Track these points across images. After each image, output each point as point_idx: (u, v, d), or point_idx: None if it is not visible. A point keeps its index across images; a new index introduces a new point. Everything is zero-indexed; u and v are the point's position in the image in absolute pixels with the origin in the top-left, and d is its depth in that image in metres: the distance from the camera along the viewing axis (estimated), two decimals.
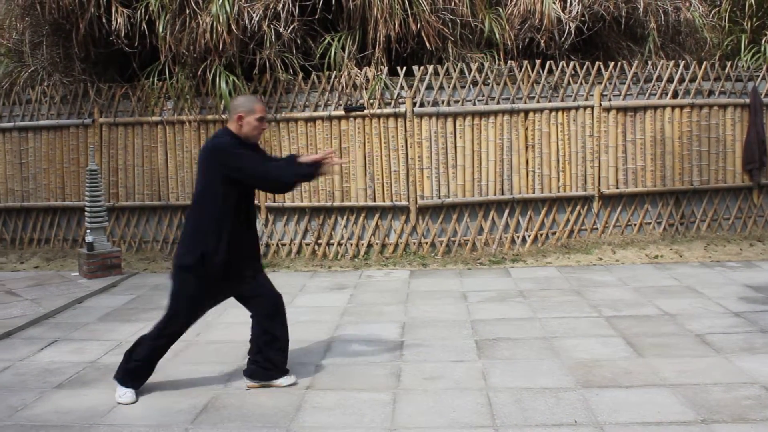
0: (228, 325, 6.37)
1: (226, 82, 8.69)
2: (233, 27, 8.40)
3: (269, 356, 4.85)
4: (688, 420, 4.14)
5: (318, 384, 4.88)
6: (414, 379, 4.91)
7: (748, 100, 9.43)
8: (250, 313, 5.00)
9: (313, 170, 4.59)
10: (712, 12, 10.86)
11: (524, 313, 6.43)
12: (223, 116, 9.00)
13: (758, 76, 9.58)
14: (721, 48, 10.59)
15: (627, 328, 5.87)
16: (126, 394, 4.67)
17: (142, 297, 7.45)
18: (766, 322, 5.93)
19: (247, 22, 8.50)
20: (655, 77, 9.24)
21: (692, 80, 9.35)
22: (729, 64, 9.58)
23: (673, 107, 9.24)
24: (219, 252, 4.55)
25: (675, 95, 9.29)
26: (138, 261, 9.11)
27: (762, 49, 9.88)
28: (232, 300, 7.06)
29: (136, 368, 4.72)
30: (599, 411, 4.30)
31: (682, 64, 9.37)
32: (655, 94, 9.25)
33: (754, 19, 10.41)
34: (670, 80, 9.28)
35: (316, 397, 4.66)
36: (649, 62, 9.42)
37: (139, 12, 8.72)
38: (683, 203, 9.38)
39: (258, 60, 8.72)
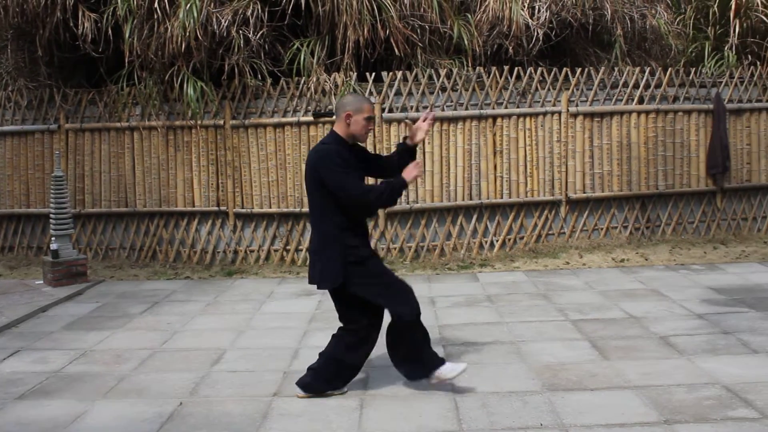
0: (195, 332, 6.33)
1: (194, 88, 8.65)
2: (200, 33, 8.35)
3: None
4: (651, 421, 4.19)
5: (285, 391, 4.87)
6: (381, 384, 4.91)
7: (711, 106, 9.57)
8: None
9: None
10: (677, 19, 11.03)
11: (492, 317, 6.46)
12: (190, 122, 8.95)
13: (721, 82, 9.74)
14: (685, 55, 10.75)
15: (593, 332, 5.93)
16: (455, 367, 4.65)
17: (108, 305, 7.37)
18: (729, 323, 6.03)
19: (215, 27, 8.46)
20: (621, 83, 9.36)
21: (657, 86, 9.48)
22: (693, 70, 9.72)
23: (638, 113, 9.36)
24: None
25: (641, 101, 9.41)
26: (104, 269, 9.01)
27: (725, 56, 10.06)
28: (198, 308, 7.08)
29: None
30: (565, 414, 4.33)
31: (647, 70, 9.49)
32: (621, 100, 9.36)
33: (717, 27, 10.59)
34: (636, 86, 9.40)
35: (283, 404, 4.64)
36: (616, 68, 9.53)
37: (105, 16, 8.65)
38: (649, 207, 9.50)
39: (226, 65, 8.68)
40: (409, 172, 4.61)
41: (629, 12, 9.98)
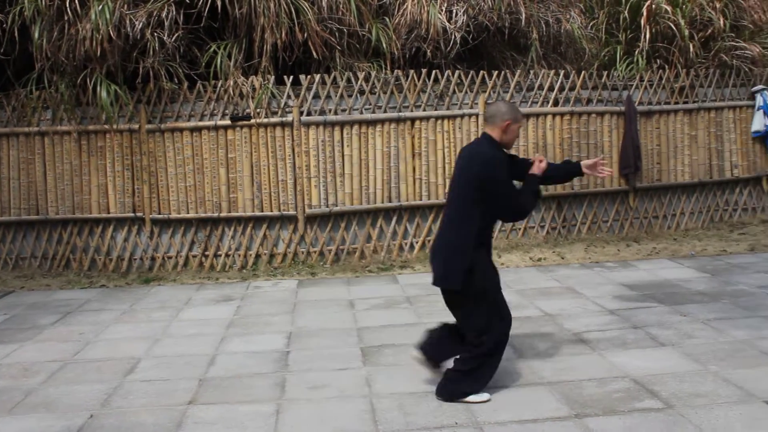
0: (109, 342, 6.17)
1: (108, 92, 8.44)
2: (113, 35, 8.16)
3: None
4: (562, 416, 4.30)
5: (201, 398, 4.79)
6: (298, 389, 4.89)
7: (623, 108, 9.87)
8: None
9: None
10: (591, 24, 11.32)
11: (410, 319, 6.50)
12: (104, 126, 8.72)
13: (632, 85, 10.05)
14: (598, 58, 11.04)
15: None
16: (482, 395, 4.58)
17: (17, 316, 7.11)
18: (638, 318, 6.22)
19: (129, 29, 8.28)
20: (536, 86, 9.55)
21: (572, 89, 9.71)
22: (606, 73, 10.01)
23: (554, 115, 9.57)
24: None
25: (556, 103, 9.63)
26: (15, 279, 8.69)
27: (635, 59, 10.38)
28: (113, 316, 6.90)
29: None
30: (479, 412, 4.39)
31: (562, 73, 9.72)
32: (537, 102, 9.56)
33: (628, 32, 10.91)
34: (551, 89, 9.61)
35: (198, 411, 4.57)
36: (531, 71, 9.72)
37: (11, 17, 8.36)
38: (565, 207, 9.72)
39: (141, 68, 8.49)
40: (537, 167, 4.75)
41: (544, 16, 10.20)
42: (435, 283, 4.69)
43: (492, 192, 4.49)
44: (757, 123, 10.63)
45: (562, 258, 8.82)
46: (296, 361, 5.47)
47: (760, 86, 10.67)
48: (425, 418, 4.33)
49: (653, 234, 9.93)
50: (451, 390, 4.60)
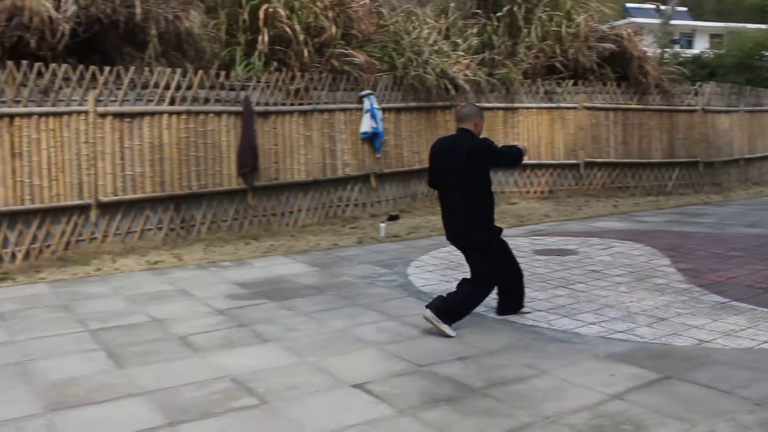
0: None
1: None
2: None
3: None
4: (155, 425, 4.19)
5: None
6: None
7: (241, 108, 10.07)
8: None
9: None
10: (213, 24, 11.35)
11: (0, 338, 5.91)
12: None
13: (250, 86, 10.31)
14: (219, 58, 11.12)
15: (111, 340, 5.76)
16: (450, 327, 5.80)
17: None
18: (247, 316, 6.35)
19: None
20: (152, 84, 9.34)
21: (189, 88, 9.66)
22: (224, 74, 10.11)
23: (170, 114, 9.45)
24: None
25: (172, 102, 9.49)
26: None
27: (253, 61, 10.65)
28: None
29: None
30: None
31: (179, 71, 9.61)
32: (153, 101, 9.35)
33: (248, 33, 11.16)
34: (168, 87, 9.46)
35: None
36: (147, 69, 9.46)
37: None
38: (183, 208, 9.65)
39: None
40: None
41: (164, 12, 9.98)
42: (464, 243, 6.00)
43: (493, 158, 6.02)
44: (365, 125, 11.60)
45: (180, 260, 8.72)
46: None
47: (368, 91, 11.64)
48: None
49: (272, 231, 10.30)
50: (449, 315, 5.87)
